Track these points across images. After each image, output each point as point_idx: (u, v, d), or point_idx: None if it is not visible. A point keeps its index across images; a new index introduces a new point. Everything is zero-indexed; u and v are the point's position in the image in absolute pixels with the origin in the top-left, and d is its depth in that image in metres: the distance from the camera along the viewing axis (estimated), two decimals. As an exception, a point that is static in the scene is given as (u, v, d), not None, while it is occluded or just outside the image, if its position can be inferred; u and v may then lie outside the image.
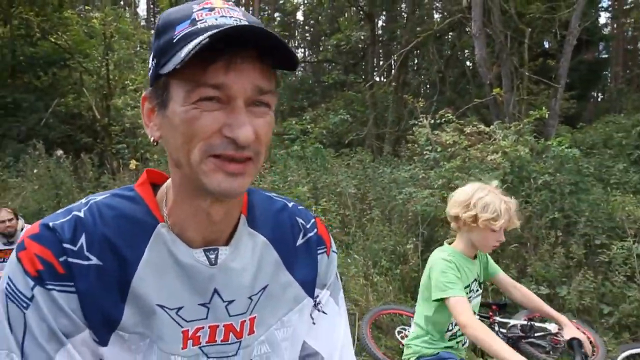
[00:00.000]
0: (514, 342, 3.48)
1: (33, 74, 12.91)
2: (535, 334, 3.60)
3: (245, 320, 0.75)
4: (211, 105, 0.63)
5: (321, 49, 22.78)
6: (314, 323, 0.86)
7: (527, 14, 10.13)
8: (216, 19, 0.64)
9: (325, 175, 6.93)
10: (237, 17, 0.66)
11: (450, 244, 2.03)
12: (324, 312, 0.87)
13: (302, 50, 28.75)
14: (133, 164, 7.57)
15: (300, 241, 0.84)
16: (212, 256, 0.73)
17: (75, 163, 9.05)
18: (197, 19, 0.65)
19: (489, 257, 2.13)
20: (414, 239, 4.92)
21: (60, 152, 9.27)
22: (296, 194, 5.84)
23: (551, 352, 3.66)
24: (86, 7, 16.23)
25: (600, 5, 16.28)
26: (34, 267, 0.65)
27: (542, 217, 4.77)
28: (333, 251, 0.90)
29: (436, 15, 16.75)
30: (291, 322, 0.81)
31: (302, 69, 23.01)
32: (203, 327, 0.72)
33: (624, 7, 18.46)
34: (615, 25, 22.22)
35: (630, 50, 22.91)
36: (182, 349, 0.71)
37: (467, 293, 1.91)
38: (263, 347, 0.78)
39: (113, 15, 11.56)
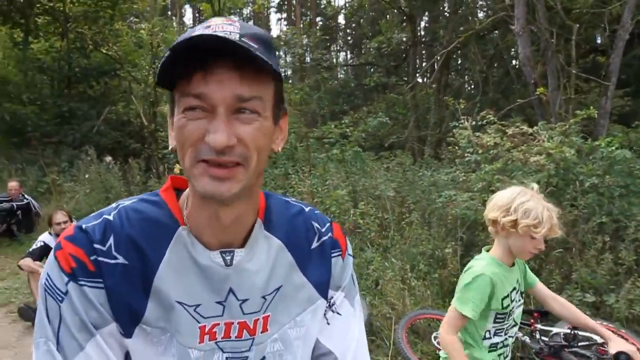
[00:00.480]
0: (555, 352, 3.34)
1: (87, 83, 13.57)
2: (580, 344, 3.45)
3: (258, 319, 0.79)
4: (196, 114, 0.68)
5: (363, 51, 22.75)
6: (328, 323, 0.88)
7: (574, 9, 9.71)
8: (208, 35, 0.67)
9: (364, 179, 6.92)
10: (230, 30, 0.68)
11: (488, 250, 1.96)
12: (338, 313, 0.89)
13: (344, 53, 28.86)
14: (177, 168, 7.81)
15: (315, 244, 0.87)
16: (228, 258, 0.77)
17: (124, 168, 9.48)
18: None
19: (526, 266, 2.04)
20: (453, 243, 4.83)
21: (109, 158, 9.74)
22: (335, 197, 5.87)
23: (597, 363, 3.50)
24: (135, 19, 16.93)
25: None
26: (68, 265, 0.72)
27: (589, 221, 4.55)
28: (349, 254, 0.92)
29: (480, 14, 16.36)
30: (304, 322, 0.84)
31: (343, 72, 23.07)
32: (219, 324, 0.76)
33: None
34: (674, 18, 20.92)
35: (691, 43, 21.48)
36: (199, 343, 0.75)
37: (508, 304, 1.85)
38: (276, 344, 0.81)
39: (160, 25, 12.02)
